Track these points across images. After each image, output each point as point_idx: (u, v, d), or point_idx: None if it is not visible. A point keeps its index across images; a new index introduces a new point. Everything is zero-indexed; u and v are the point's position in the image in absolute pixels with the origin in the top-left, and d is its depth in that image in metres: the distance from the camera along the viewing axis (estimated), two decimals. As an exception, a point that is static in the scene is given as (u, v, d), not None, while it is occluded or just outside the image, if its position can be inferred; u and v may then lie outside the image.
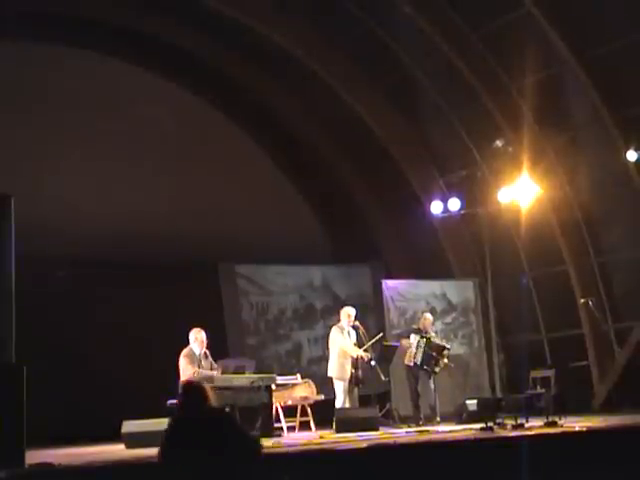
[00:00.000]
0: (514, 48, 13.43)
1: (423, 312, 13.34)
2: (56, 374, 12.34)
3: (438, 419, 12.04)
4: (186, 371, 10.85)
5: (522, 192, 13.68)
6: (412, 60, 14.92)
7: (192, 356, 10.95)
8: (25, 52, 13.78)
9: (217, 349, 11.59)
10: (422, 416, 12.01)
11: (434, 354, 12.10)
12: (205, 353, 11.11)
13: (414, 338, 12.18)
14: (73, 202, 13.85)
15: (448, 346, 12.49)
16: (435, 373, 12.15)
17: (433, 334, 12.50)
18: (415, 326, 12.78)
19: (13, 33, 13.68)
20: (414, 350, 12.11)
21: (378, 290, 15.29)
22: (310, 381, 12.43)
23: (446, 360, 12.20)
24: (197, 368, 10.84)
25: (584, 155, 14.15)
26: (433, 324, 12.86)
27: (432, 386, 12.15)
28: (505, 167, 14.09)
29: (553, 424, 10.12)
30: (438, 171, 15.95)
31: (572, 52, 13.02)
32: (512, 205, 13.91)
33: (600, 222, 14.48)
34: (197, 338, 11.03)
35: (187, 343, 11.05)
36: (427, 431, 10.67)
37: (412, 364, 12.12)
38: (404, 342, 12.28)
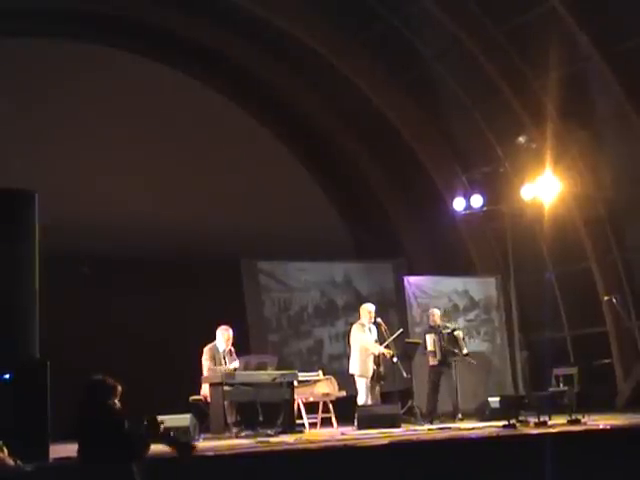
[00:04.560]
0: (538, 44, 13.37)
1: (431, 309, 13.36)
2: (78, 370, 12.34)
3: (460, 416, 12.06)
4: (205, 366, 10.96)
5: (545, 189, 13.63)
6: (433, 55, 14.87)
7: (214, 352, 11.02)
8: (37, 48, 13.84)
9: (239, 346, 11.63)
10: (439, 413, 12.18)
11: (451, 344, 12.35)
12: (230, 351, 11.19)
13: (430, 340, 12.32)
14: (93, 199, 13.86)
15: (456, 326, 12.75)
16: (465, 355, 12.36)
17: (446, 325, 12.68)
18: (427, 326, 12.95)
19: (39, 30, 13.85)
20: (433, 350, 12.29)
21: (400, 286, 15.27)
22: (332, 377, 12.40)
23: (461, 334, 12.50)
24: (215, 365, 10.94)
25: (608, 152, 14.06)
26: (451, 321, 13.01)
27: (456, 384, 12.25)
28: (528, 164, 14.02)
29: (576, 422, 10.05)
30: (460, 167, 15.90)
31: (596, 48, 12.95)
32: (535, 202, 13.86)
33: (624, 219, 14.39)
34: (223, 335, 11.13)
35: (209, 339, 11.11)
36: (449, 428, 10.64)
37: (436, 363, 12.30)
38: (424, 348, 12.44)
